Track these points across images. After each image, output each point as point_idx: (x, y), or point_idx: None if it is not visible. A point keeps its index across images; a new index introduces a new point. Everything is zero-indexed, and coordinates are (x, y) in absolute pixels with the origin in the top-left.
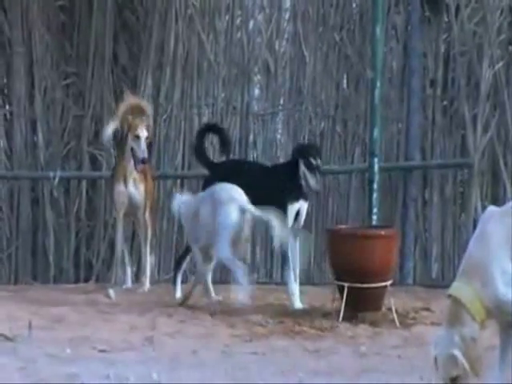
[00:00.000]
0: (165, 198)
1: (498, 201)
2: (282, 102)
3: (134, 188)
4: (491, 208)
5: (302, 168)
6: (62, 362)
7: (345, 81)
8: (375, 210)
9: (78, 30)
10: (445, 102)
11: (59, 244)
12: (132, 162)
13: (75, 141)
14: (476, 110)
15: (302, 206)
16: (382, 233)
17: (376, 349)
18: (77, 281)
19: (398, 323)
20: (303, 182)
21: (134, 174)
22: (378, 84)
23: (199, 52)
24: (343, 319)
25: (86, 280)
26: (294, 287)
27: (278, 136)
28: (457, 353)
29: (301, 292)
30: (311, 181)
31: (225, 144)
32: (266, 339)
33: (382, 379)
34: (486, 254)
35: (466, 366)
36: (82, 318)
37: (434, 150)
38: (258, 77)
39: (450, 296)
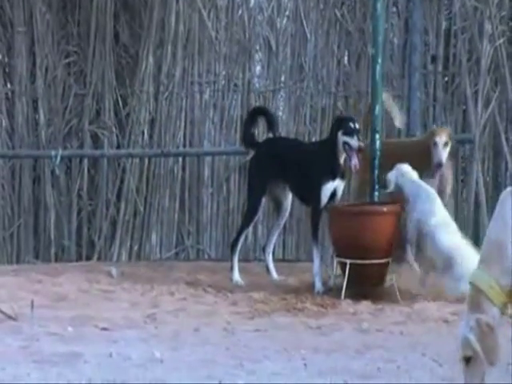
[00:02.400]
0: (166, 176)
1: (499, 176)
2: (283, 79)
3: None
4: (510, 188)
5: (343, 138)
6: (65, 340)
7: (346, 57)
8: (377, 187)
9: (79, 8)
10: (446, 78)
11: (61, 222)
12: None
13: (77, 119)
14: (477, 85)
15: (338, 185)
16: (384, 209)
17: (378, 325)
18: (79, 259)
19: (400, 299)
20: (344, 152)
21: None
22: (380, 60)
23: (200, 30)
24: (345, 296)
25: (88, 258)
26: (319, 267)
27: (280, 113)
28: (470, 336)
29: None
30: (353, 142)
31: (272, 125)
32: (268, 316)
33: (384, 355)
34: (502, 236)
35: (479, 350)
36: (83, 297)
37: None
38: (260, 54)
39: (470, 283)
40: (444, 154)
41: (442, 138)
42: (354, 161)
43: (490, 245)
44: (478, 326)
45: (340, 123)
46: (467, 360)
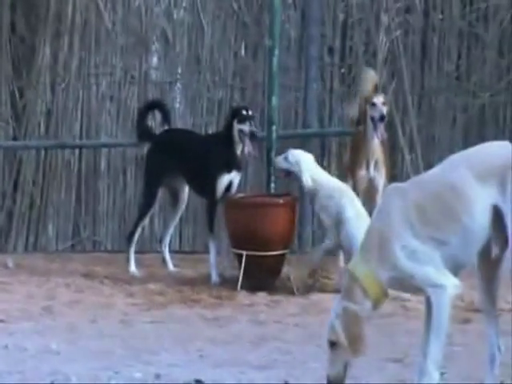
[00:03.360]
0: (62, 168)
1: (396, 168)
2: (180, 70)
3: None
4: (394, 184)
5: (238, 126)
6: None
7: (243, 49)
8: (273, 178)
9: None
10: (343, 70)
11: None
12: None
13: None
14: None
15: (233, 177)
16: (280, 201)
17: (275, 317)
18: None
19: (296, 291)
20: (240, 142)
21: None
22: (276, 52)
23: (97, 21)
24: (242, 287)
25: None
26: (215, 259)
27: (177, 105)
28: (335, 323)
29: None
30: (245, 128)
31: (166, 117)
32: (165, 308)
33: (280, 347)
34: (386, 230)
35: (342, 338)
36: None
37: (332, 118)
38: (156, 45)
39: (347, 270)
40: (384, 109)
41: (379, 99)
42: (249, 147)
43: (372, 235)
44: (345, 314)
45: (234, 112)
46: (331, 345)
